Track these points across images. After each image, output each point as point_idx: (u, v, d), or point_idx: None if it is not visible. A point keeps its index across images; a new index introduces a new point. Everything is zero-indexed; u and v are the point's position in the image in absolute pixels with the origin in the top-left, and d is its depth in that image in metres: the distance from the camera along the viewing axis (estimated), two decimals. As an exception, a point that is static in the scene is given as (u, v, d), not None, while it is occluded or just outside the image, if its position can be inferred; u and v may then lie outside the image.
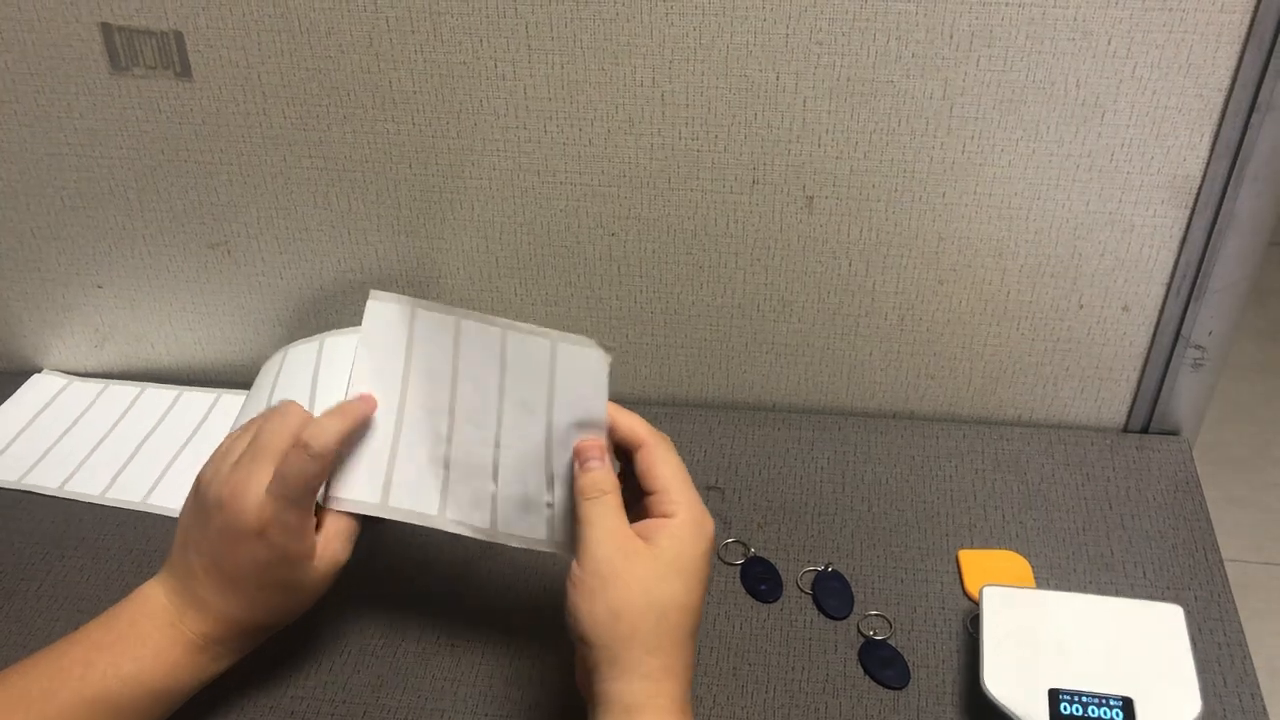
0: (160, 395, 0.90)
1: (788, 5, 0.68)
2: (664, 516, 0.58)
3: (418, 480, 0.65)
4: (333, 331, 0.74)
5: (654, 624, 0.55)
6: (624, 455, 0.62)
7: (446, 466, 0.65)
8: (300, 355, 0.75)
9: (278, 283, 0.86)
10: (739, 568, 0.74)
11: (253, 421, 0.65)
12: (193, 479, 0.64)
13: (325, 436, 0.62)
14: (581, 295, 0.83)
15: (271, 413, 0.64)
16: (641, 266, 0.81)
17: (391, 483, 0.65)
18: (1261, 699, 0.65)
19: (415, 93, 0.75)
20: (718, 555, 0.75)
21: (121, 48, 0.75)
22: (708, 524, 0.59)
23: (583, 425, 0.61)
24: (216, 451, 0.64)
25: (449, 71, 0.74)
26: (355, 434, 0.64)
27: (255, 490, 0.60)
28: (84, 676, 0.59)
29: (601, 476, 0.59)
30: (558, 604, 0.71)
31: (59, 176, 0.82)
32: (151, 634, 0.61)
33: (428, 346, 0.65)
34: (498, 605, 0.72)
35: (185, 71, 0.76)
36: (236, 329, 0.89)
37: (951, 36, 0.68)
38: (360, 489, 0.65)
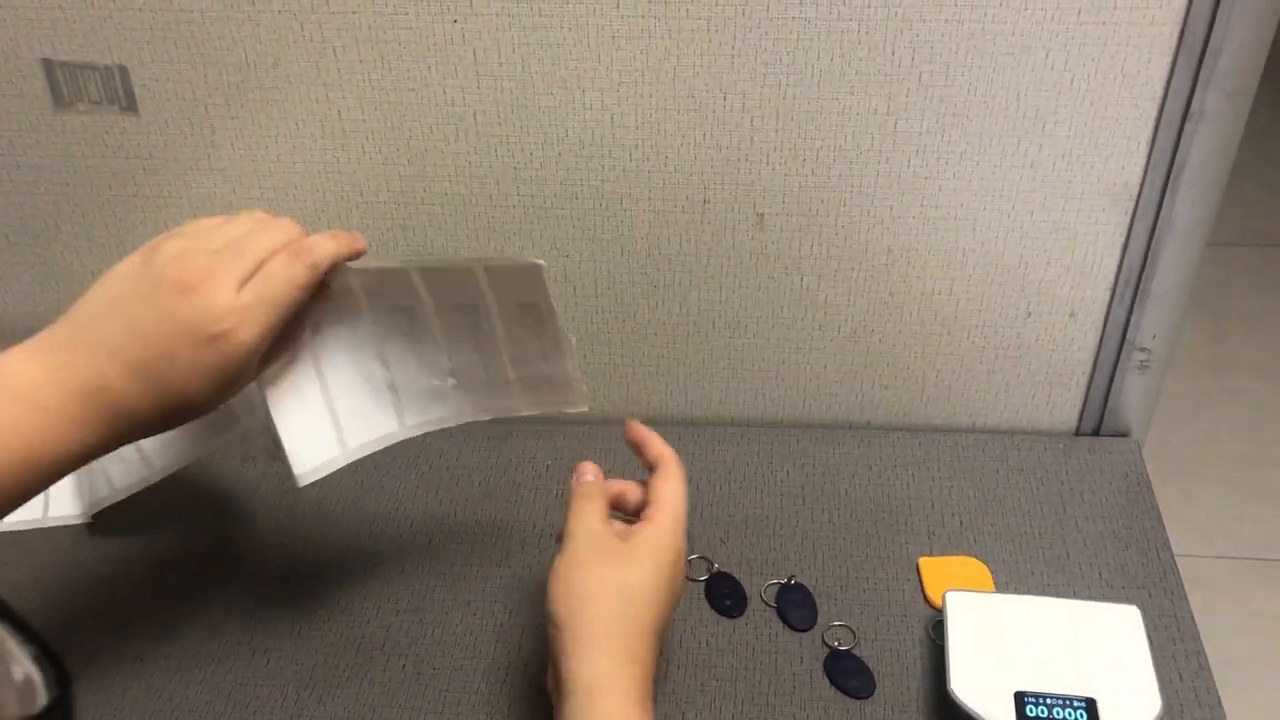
0: None
1: (732, 27, 0.69)
2: (647, 521, 0.62)
3: (364, 413, 0.66)
4: None
5: (620, 609, 0.58)
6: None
7: (393, 389, 0.66)
8: None
9: (230, 314, 0.85)
10: (703, 584, 0.74)
11: (236, 219, 0.58)
12: None
13: (321, 250, 0.58)
14: (537, 318, 0.84)
15: (263, 219, 0.58)
16: (596, 287, 0.82)
17: (341, 429, 0.66)
18: (1216, 692, 0.67)
19: (364, 121, 0.75)
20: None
21: (64, 83, 0.75)
22: (683, 539, 0.62)
23: (525, 303, 0.63)
24: (186, 228, 0.58)
25: (398, 99, 0.74)
26: (346, 258, 0.60)
27: (228, 285, 0.54)
28: None
29: (591, 485, 0.63)
30: (524, 633, 0.72)
31: (3, 215, 0.81)
32: (12, 399, 0.52)
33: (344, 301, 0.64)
34: (462, 634, 0.72)
35: (131, 106, 0.75)
36: (189, 362, 0.88)
37: (893, 54, 0.70)
38: (319, 452, 0.65)
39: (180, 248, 0.56)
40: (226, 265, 0.55)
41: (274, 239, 0.57)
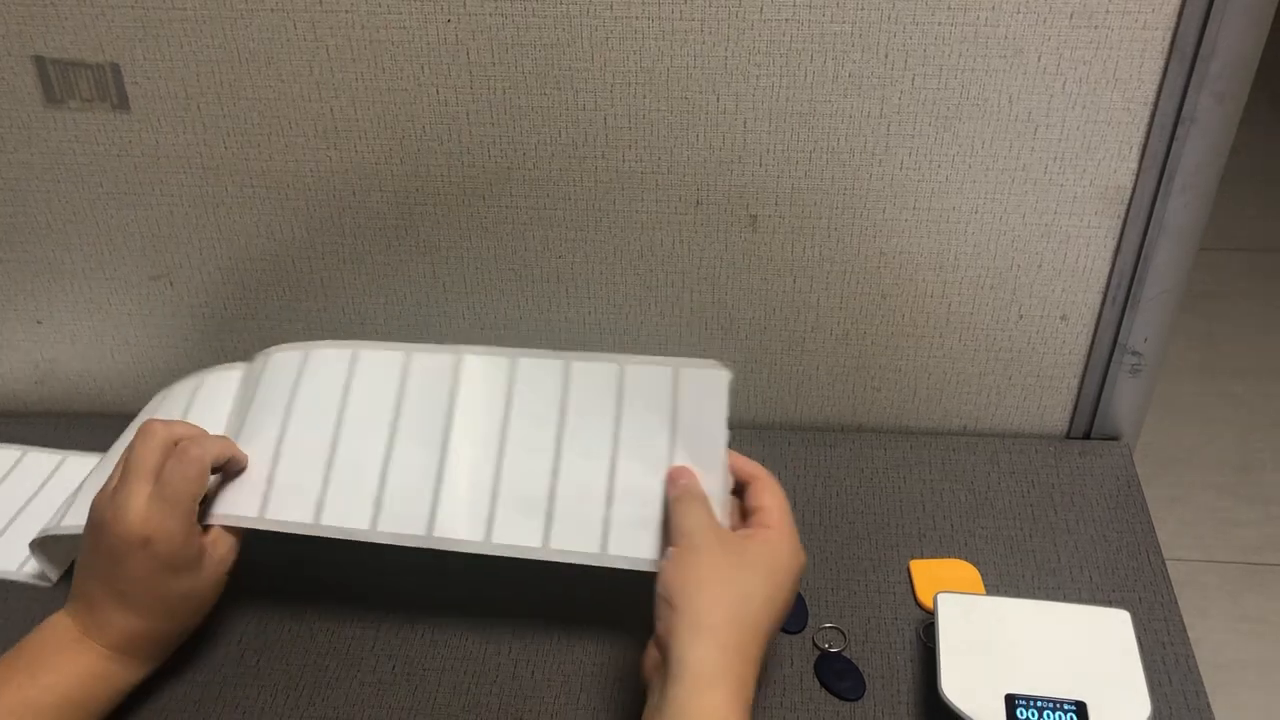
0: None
1: (725, 28, 0.69)
2: (761, 527, 0.63)
3: (517, 516, 0.67)
4: (214, 368, 0.78)
5: (736, 604, 0.59)
6: (739, 492, 0.67)
7: (551, 499, 0.67)
8: (178, 391, 0.78)
9: (221, 314, 0.85)
10: (694, 585, 0.74)
11: (125, 450, 0.68)
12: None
13: (207, 446, 0.66)
14: (530, 318, 0.83)
15: (137, 436, 0.66)
16: (589, 288, 0.82)
17: (493, 522, 0.67)
18: (1206, 695, 0.67)
19: (357, 120, 0.75)
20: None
21: (56, 80, 0.74)
22: (801, 552, 0.64)
23: (701, 441, 0.66)
24: (105, 484, 0.67)
25: (391, 99, 0.74)
26: (233, 458, 0.69)
27: (136, 503, 0.63)
28: (0, 691, 0.61)
29: (692, 485, 0.65)
30: (512, 634, 0.71)
31: (-6, 212, 0.81)
32: (63, 650, 0.63)
33: (530, 389, 0.69)
34: (451, 635, 0.72)
35: (123, 104, 0.75)
36: (180, 362, 0.88)
37: (886, 56, 0.70)
38: (464, 526, 0.67)
39: (96, 502, 0.66)
40: (126, 494, 0.63)
41: (149, 447, 0.65)
